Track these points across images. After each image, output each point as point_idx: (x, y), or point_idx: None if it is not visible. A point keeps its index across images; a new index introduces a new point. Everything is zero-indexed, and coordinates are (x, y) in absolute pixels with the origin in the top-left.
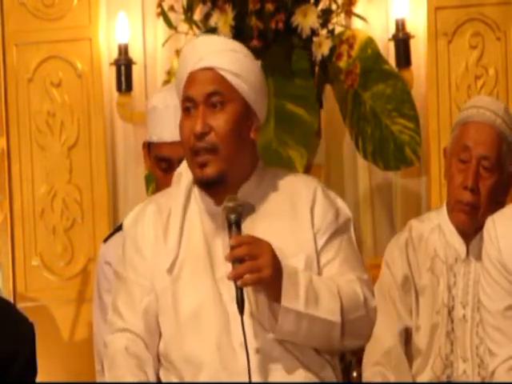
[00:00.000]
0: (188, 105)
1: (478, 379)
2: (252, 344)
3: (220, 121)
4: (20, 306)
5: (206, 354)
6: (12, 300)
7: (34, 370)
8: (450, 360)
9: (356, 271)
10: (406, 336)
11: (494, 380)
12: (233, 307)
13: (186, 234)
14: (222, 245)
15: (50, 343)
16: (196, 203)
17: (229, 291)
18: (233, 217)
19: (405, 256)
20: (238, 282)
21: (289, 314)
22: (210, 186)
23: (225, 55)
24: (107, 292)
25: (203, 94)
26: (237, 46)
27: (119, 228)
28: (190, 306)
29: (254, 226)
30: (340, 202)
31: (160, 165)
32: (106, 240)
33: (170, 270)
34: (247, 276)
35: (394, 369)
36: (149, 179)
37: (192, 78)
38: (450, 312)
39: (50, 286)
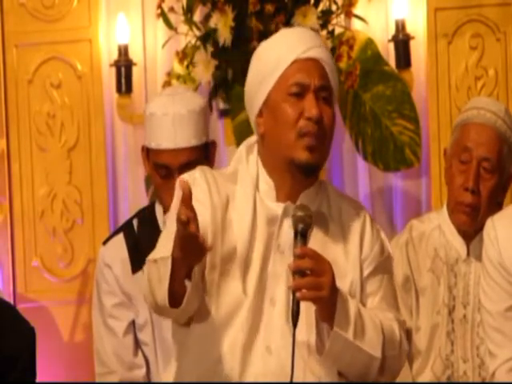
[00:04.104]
0: (297, 90)
1: (478, 380)
2: (281, 353)
3: (328, 114)
4: (20, 306)
5: (226, 350)
6: (12, 301)
7: (33, 375)
8: (451, 360)
9: (394, 311)
10: (406, 336)
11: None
12: (269, 310)
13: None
14: (274, 242)
15: (49, 344)
16: (258, 194)
17: (271, 292)
18: (301, 226)
19: (405, 256)
20: (298, 295)
21: (338, 339)
22: (308, 172)
23: (327, 52)
24: (106, 294)
25: (315, 84)
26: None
27: (118, 230)
28: (231, 297)
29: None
30: (383, 236)
31: (159, 171)
32: (105, 242)
33: (245, 260)
34: (306, 291)
35: None
36: (149, 181)
37: (300, 66)
38: (450, 312)
39: (49, 287)
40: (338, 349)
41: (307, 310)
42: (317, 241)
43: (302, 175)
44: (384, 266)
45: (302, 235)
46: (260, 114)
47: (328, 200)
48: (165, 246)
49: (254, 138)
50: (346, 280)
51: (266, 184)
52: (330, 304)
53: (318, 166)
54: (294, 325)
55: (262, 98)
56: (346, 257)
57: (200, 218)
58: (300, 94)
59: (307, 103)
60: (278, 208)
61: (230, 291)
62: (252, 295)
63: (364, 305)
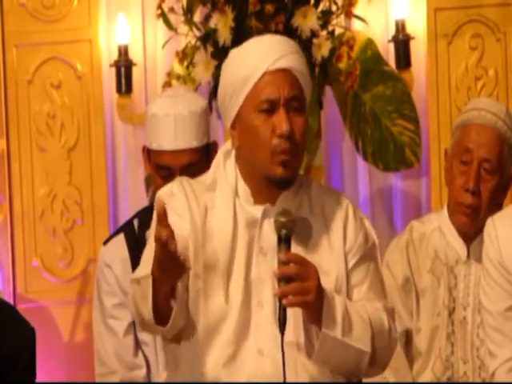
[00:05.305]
0: (267, 107)
1: (478, 381)
2: (273, 354)
3: (299, 124)
4: (20, 307)
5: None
6: (12, 301)
7: (33, 375)
8: (451, 362)
9: (381, 299)
10: (407, 337)
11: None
12: (257, 312)
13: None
14: (256, 245)
15: (49, 344)
16: (237, 200)
17: (258, 295)
18: (284, 232)
19: (405, 257)
20: (284, 301)
21: (327, 340)
22: (284, 185)
23: (298, 57)
24: (107, 295)
25: (284, 98)
26: (298, 48)
27: (119, 230)
28: (217, 305)
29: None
30: (367, 224)
31: (160, 172)
32: (105, 242)
33: (227, 267)
34: (292, 297)
35: (395, 370)
36: (149, 181)
37: (269, 79)
38: (450, 314)
39: (49, 287)
40: (328, 349)
41: (294, 310)
42: (300, 242)
43: (277, 187)
44: (369, 254)
45: (285, 241)
46: (233, 126)
47: (309, 196)
48: (146, 265)
49: (230, 144)
50: (331, 275)
51: (244, 189)
52: (316, 307)
53: (292, 179)
54: (282, 332)
55: (233, 111)
56: (331, 250)
57: (179, 231)
58: (270, 109)
59: (277, 119)
60: (256, 211)
61: (216, 299)
62: (239, 300)
63: (351, 295)
